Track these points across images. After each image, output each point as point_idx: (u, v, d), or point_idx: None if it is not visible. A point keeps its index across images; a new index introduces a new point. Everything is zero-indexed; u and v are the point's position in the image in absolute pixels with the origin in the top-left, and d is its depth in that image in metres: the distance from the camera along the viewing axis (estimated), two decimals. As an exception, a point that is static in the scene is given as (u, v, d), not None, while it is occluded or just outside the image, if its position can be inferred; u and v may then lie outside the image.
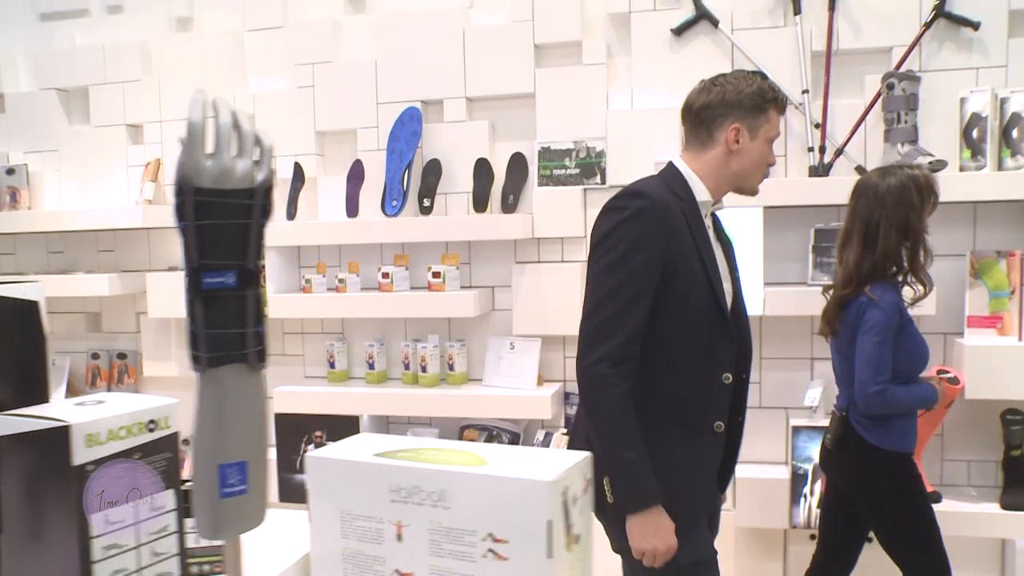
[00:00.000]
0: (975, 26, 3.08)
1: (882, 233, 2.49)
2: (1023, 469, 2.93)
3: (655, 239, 1.86)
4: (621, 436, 1.84)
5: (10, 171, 3.93)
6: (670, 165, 2.05)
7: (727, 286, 2.02)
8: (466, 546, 1.08)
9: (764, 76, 2.13)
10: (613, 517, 1.93)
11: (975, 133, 3.02)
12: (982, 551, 3.01)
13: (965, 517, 2.91)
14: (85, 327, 4.06)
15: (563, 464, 1.08)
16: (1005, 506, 2.93)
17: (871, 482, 2.52)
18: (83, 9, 4.06)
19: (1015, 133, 2.99)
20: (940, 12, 3.09)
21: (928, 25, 3.11)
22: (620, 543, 1.96)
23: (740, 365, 2.05)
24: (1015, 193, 2.97)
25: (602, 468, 1.84)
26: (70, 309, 4.02)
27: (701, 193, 2.00)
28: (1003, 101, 3.02)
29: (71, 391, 3.97)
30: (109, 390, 3.95)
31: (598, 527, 3.14)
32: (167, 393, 1.37)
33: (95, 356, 3.99)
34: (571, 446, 2.12)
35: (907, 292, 2.55)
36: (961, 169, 3.01)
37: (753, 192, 2.10)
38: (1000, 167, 3.01)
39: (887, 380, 2.41)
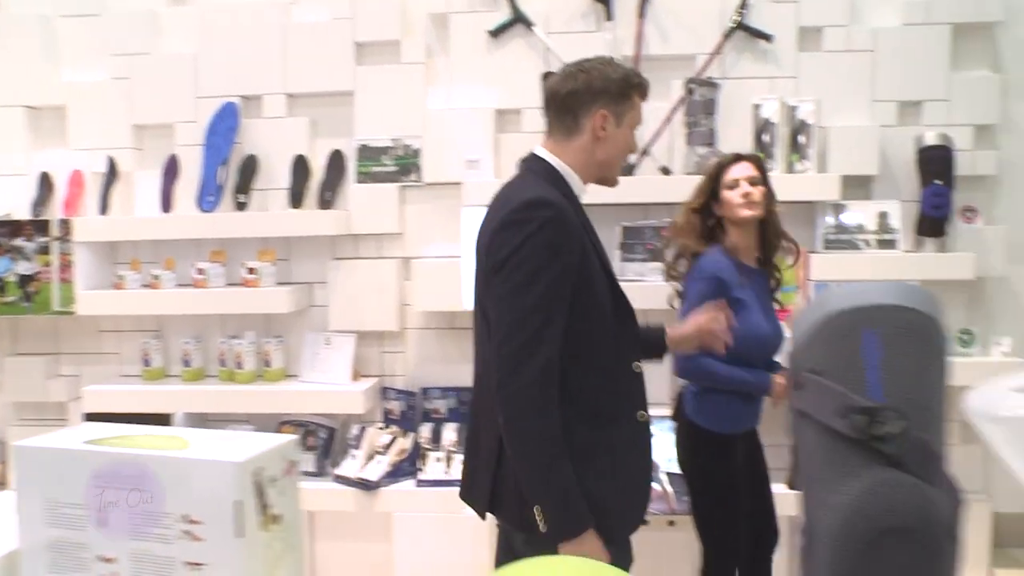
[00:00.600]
0: (768, 39, 3.29)
1: None
2: (806, 451, 3.15)
3: (565, 248, 1.76)
4: (550, 462, 1.73)
5: None
6: (537, 158, 1.91)
7: None
8: (164, 528, 1.09)
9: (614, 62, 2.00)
10: (540, 543, 1.77)
11: (766, 138, 3.22)
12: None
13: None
14: None
15: (260, 446, 1.11)
16: (791, 486, 3.14)
17: (693, 458, 2.62)
18: None
19: (802, 139, 3.21)
20: (739, 24, 3.29)
21: (728, 35, 3.30)
22: None
23: None
24: (802, 195, 3.19)
25: (531, 496, 1.74)
26: None
27: (578, 188, 1.91)
28: (792, 109, 3.24)
29: None
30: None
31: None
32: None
33: None
34: (469, 461, 1.99)
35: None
36: (753, 172, 3.20)
37: (613, 183, 1.99)
38: (790, 170, 3.22)
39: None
